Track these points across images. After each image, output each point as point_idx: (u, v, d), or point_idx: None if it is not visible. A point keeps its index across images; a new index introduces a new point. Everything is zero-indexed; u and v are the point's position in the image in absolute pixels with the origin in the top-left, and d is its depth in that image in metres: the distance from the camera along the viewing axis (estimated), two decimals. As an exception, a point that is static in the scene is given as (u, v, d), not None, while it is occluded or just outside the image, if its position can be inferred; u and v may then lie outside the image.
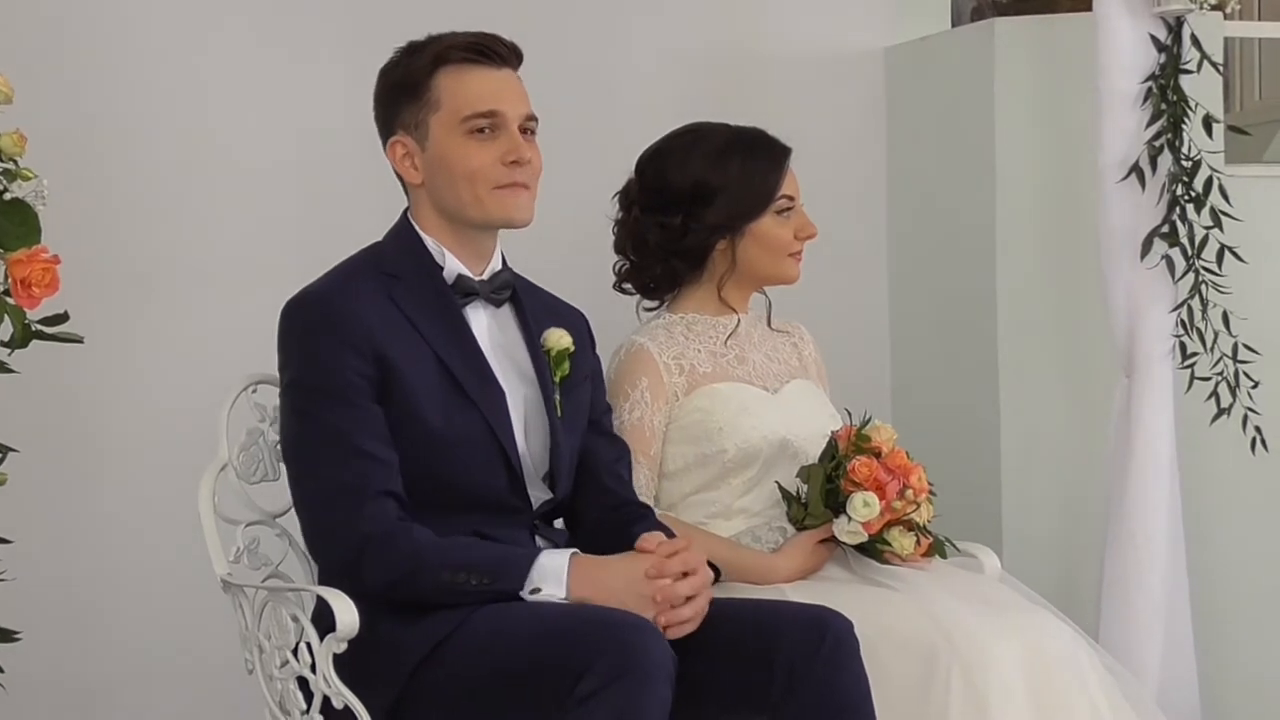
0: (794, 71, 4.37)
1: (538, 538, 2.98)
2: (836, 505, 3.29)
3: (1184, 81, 3.88)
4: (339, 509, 2.83)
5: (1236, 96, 5.96)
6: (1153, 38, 3.87)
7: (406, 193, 3.05)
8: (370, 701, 2.79)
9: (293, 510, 2.95)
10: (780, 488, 3.35)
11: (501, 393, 2.96)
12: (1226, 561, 4.18)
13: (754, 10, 4.36)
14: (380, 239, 3.07)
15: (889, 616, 3.10)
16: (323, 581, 2.90)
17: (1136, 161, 3.85)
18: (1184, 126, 3.86)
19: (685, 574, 2.83)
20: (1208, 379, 3.92)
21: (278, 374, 2.96)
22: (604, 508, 3.06)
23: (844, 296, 4.36)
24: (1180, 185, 3.87)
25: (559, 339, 3.05)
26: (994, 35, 4.17)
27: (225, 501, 3.06)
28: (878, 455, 3.29)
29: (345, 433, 2.84)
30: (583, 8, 4.20)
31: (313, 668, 2.82)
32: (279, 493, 3.05)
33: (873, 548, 3.29)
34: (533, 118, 2.99)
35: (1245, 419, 3.92)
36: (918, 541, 3.31)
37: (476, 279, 3.01)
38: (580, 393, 3.08)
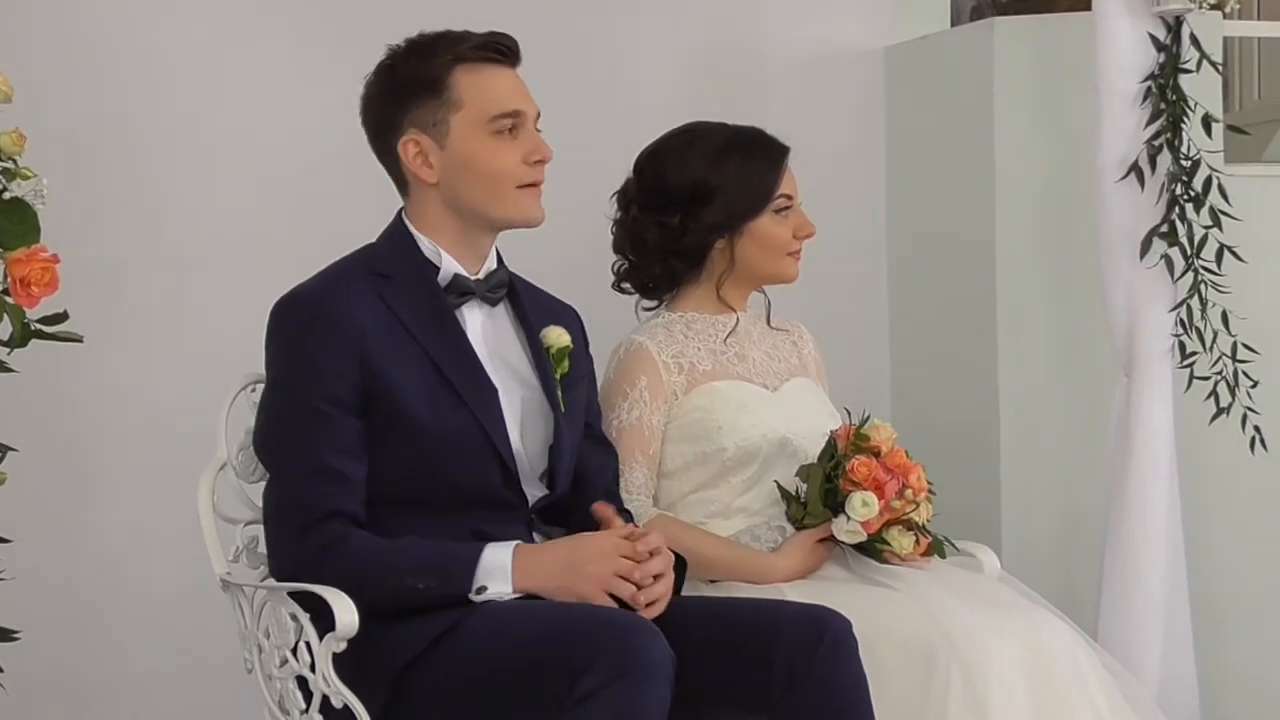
0: (794, 71, 4.37)
1: (535, 534, 2.98)
2: (835, 504, 3.28)
3: (1183, 81, 3.88)
4: (289, 524, 2.87)
5: (1236, 96, 5.96)
6: (1152, 37, 3.88)
7: (403, 192, 3.04)
8: (367, 701, 2.79)
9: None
10: (779, 487, 3.35)
11: (494, 391, 2.96)
12: (1226, 560, 4.18)
13: (754, 10, 4.36)
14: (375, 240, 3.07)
15: (888, 616, 3.10)
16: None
17: (1136, 161, 3.86)
18: (1183, 126, 3.87)
19: (651, 554, 2.85)
20: (1207, 378, 3.93)
21: (264, 371, 2.98)
22: (587, 514, 3.05)
23: (843, 295, 4.36)
24: (1179, 185, 3.87)
25: (559, 337, 3.06)
26: (993, 35, 4.18)
27: (224, 500, 3.07)
28: (877, 454, 3.29)
29: (312, 448, 2.86)
30: (582, 8, 4.20)
31: (312, 667, 2.82)
32: (278, 492, 3.05)
33: (872, 547, 3.29)
34: (539, 115, 3.02)
35: (1244, 418, 3.92)
36: (917, 541, 3.31)
37: (473, 278, 3.02)
38: (578, 392, 3.09)
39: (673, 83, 4.24)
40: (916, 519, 3.30)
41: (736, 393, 3.39)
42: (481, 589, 2.82)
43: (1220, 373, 3.93)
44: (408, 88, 2.97)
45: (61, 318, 3.12)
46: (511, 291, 3.07)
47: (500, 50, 2.99)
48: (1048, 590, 3.48)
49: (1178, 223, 3.88)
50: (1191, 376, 3.92)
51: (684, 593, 2.99)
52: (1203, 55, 3.90)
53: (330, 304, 2.92)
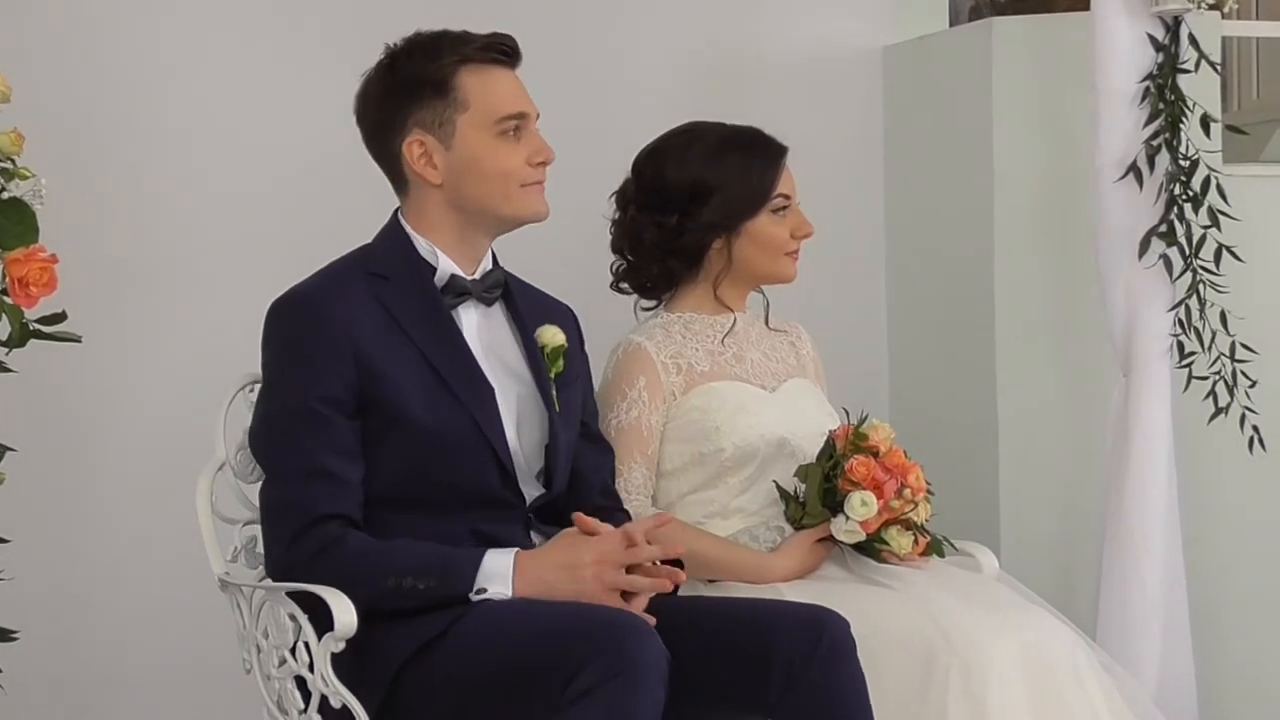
0: (792, 71, 4.38)
1: (532, 533, 2.99)
2: (834, 504, 3.29)
3: (1181, 81, 3.88)
4: (285, 526, 2.87)
5: (1234, 96, 5.95)
6: (1150, 37, 3.88)
7: (401, 192, 3.05)
8: (365, 701, 2.80)
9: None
10: (778, 487, 3.35)
11: (490, 391, 2.97)
12: (1224, 560, 4.19)
13: (752, 10, 4.37)
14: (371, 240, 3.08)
15: (887, 616, 3.10)
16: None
17: (1134, 161, 3.86)
18: (1182, 126, 3.87)
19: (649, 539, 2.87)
20: (1205, 378, 3.93)
21: (260, 370, 2.98)
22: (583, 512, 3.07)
23: (842, 295, 4.37)
24: (1178, 184, 3.87)
25: (553, 336, 3.07)
26: (992, 34, 4.18)
27: (223, 500, 3.07)
28: (875, 454, 3.29)
29: (308, 449, 2.87)
30: (581, 8, 4.21)
31: (310, 667, 2.82)
32: (277, 492, 3.05)
33: (870, 547, 3.29)
34: (538, 116, 3.04)
35: (1243, 418, 3.92)
36: (915, 540, 3.31)
37: (469, 279, 3.02)
38: (573, 391, 3.09)
39: (671, 83, 4.24)
40: (915, 518, 3.31)
41: (734, 393, 3.39)
42: (481, 591, 2.82)
43: (1218, 372, 3.93)
44: (411, 88, 2.98)
45: (60, 318, 3.13)
46: (506, 291, 3.08)
47: (503, 51, 3.01)
48: (1046, 590, 3.49)
49: (1176, 222, 3.88)
50: (1190, 376, 3.92)
51: (682, 593, 2.99)
52: (1201, 55, 3.90)
53: (326, 304, 2.93)
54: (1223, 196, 3.89)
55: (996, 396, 4.16)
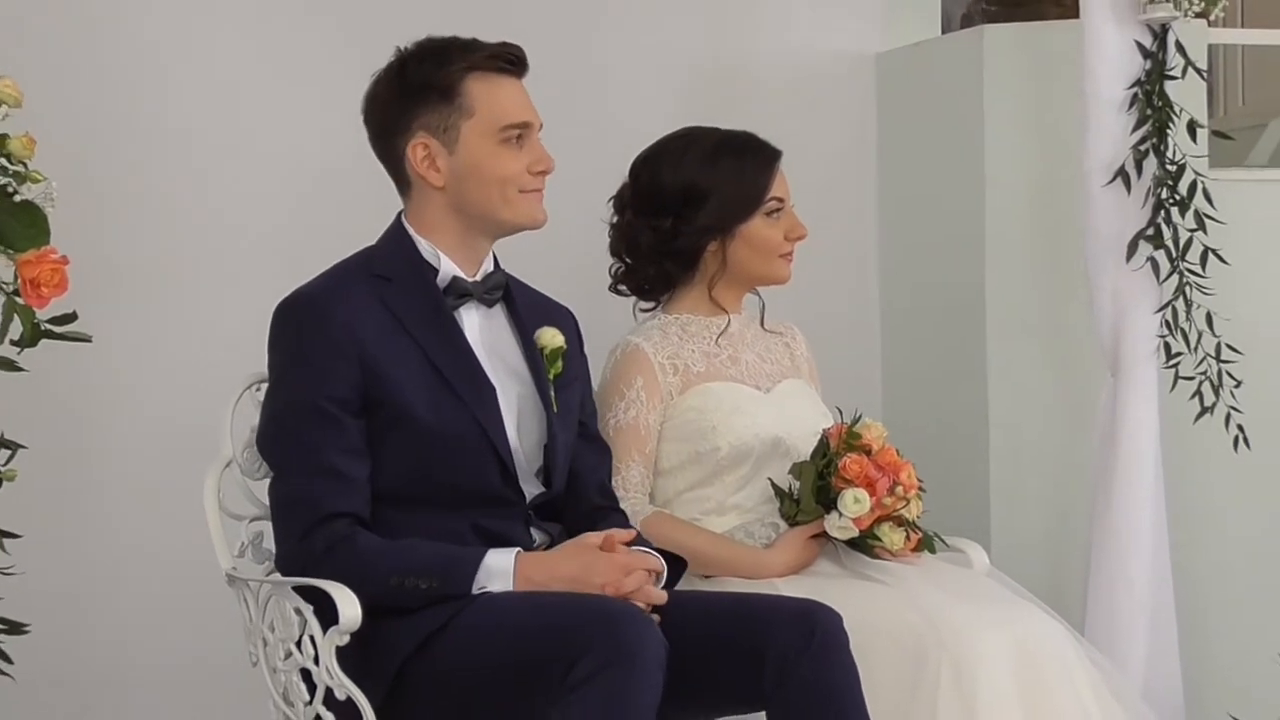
0: (787, 77, 4.38)
1: (533, 529, 3.01)
2: (828, 501, 3.31)
3: (1169, 87, 3.89)
4: (295, 524, 2.89)
5: (1220, 102, 5.94)
6: (1138, 44, 3.88)
7: (404, 193, 3.07)
8: (370, 693, 2.82)
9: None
10: (773, 484, 3.37)
11: (493, 391, 2.99)
12: (1210, 556, 4.18)
13: (746, 17, 4.36)
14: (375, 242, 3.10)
15: (879, 610, 3.12)
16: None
17: (1122, 165, 3.86)
18: (1169, 131, 3.87)
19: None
20: (1191, 378, 3.94)
21: (267, 371, 3.00)
22: (579, 514, 3.09)
23: (835, 297, 4.37)
24: (1165, 189, 3.87)
25: (552, 337, 3.09)
26: (983, 41, 4.19)
27: (229, 497, 3.08)
28: (868, 452, 3.31)
29: (315, 448, 2.89)
30: (577, 15, 4.21)
31: (316, 660, 2.84)
32: (282, 489, 3.07)
33: (863, 543, 3.32)
34: (541, 126, 3.06)
35: (1228, 417, 3.93)
36: (907, 536, 3.33)
37: (470, 280, 3.04)
38: (571, 392, 3.11)
39: (667, 89, 4.24)
40: (907, 515, 3.33)
41: (730, 394, 3.41)
42: (483, 589, 2.85)
43: (1204, 373, 3.94)
44: (419, 91, 3.00)
45: (71, 318, 3.14)
46: (507, 293, 3.10)
47: (510, 60, 3.03)
48: (1035, 586, 3.50)
49: (1163, 226, 3.88)
50: (1176, 376, 3.93)
51: (678, 588, 3.02)
52: (1188, 62, 3.90)
53: (331, 305, 2.95)
54: (1209, 200, 3.89)
55: (987, 396, 4.16)
